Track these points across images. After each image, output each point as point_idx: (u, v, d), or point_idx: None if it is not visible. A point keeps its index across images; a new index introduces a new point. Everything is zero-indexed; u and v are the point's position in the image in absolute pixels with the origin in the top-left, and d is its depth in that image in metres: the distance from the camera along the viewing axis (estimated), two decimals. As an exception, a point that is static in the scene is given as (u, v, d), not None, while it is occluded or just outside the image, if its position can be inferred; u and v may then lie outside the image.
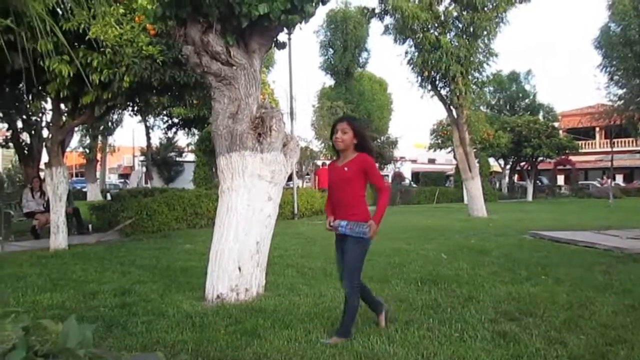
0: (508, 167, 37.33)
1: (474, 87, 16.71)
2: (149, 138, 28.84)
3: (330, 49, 26.19)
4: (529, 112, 36.89)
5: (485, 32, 15.54)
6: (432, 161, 52.34)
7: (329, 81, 27.60)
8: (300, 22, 5.25)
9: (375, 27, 54.00)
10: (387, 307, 4.19)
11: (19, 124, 14.70)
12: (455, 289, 5.34)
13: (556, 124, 37.56)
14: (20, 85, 11.81)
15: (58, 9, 7.23)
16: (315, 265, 6.85)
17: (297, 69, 69.55)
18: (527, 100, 41.59)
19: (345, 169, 3.86)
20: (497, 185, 37.73)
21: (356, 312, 3.87)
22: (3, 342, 0.82)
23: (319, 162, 24.45)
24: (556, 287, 5.38)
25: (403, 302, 4.79)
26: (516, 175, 40.73)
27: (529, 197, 31.96)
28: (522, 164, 34.87)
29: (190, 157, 30.23)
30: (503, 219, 14.55)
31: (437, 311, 4.49)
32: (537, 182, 36.91)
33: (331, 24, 25.76)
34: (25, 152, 14.97)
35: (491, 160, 33.14)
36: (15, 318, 0.92)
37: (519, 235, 10.10)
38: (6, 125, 14.85)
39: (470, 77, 15.99)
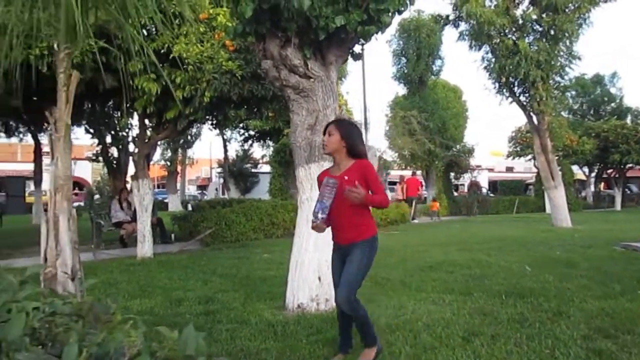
0: (593, 174, 35.35)
1: (555, 92, 16.00)
2: (226, 150, 29.77)
3: (403, 58, 25.97)
4: (615, 117, 34.78)
5: (566, 35, 14.86)
6: (510, 169, 50.69)
7: (402, 90, 27.41)
8: (377, 33, 5.26)
9: (449, 34, 53.05)
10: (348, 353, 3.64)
11: (108, 139, 15.68)
12: (542, 302, 5.10)
13: (647, 129, 35.19)
14: (110, 103, 12.60)
15: (144, 31, 7.68)
16: (393, 276, 6.77)
17: (369, 79, 69.54)
18: (612, 104, 39.30)
19: (346, 177, 3.42)
20: (582, 194, 35.81)
21: (368, 320, 3.52)
22: (130, 348, 0.88)
23: (409, 172, 24.24)
24: (655, 303, 5.02)
25: (487, 316, 4.63)
26: (602, 183, 38.51)
27: (617, 207, 30.11)
28: (609, 171, 32.92)
29: (265, 168, 30.89)
30: (590, 230, 13.79)
31: (524, 325, 4.30)
32: (626, 190, 34.73)
33: (404, 33, 25.56)
34: (114, 165, 15.92)
35: (574, 168, 31.53)
36: (133, 324, 0.97)
37: (608, 246, 9.52)
38: (96, 141, 15.86)
39: (551, 81, 15.33)
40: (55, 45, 3.15)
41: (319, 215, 3.37)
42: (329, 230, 3.59)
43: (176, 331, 0.92)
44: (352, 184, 3.31)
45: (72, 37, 2.89)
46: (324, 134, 3.61)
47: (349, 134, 3.55)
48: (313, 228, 3.49)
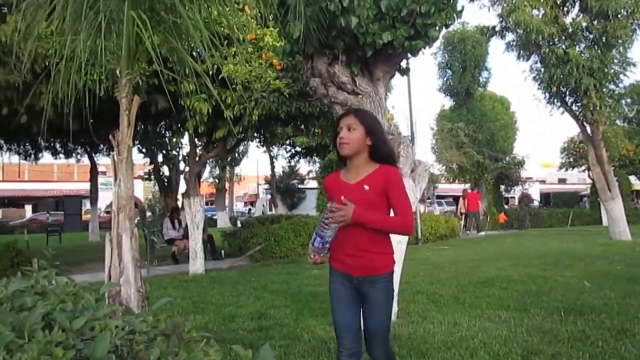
0: (653, 185, 33.90)
1: (609, 100, 15.46)
2: (273, 167, 30.12)
3: (449, 70, 25.70)
4: (674, 124, 33.27)
5: (620, 41, 14.39)
6: (562, 181, 49.21)
7: (448, 103, 27.11)
8: (424, 47, 5.24)
9: (495, 45, 52.33)
10: None
11: (160, 158, 16.14)
12: (604, 320, 4.90)
13: None
14: (162, 123, 12.99)
15: (193, 53, 7.91)
16: (446, 292, 6.66)
17: (414, 92, 69.02)
18: (671, 111, 37.66)
19: (365, 187, 2.56)
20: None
21: None
22: (210, 366, 0.91)
23: (467, 186, 23.94)
24: None
25: (546, 334, 4.49)
26: (663, 194, 36.82)
27: (680, 218, 28.67)
28: (670, 181, 31.50)
29: (311, 184, 31.07)
30: (651, 243, 13.18)
31: (586, 344, 4.14)
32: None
33: (449, 45, 25.32)
34: (165, 183, 16.36)
35: (632, 178, 30.31)
36: (207, 343, 1.00)
37: (673, 261, 9.08)
38: (148, 160, 16.35)
39: (604, 90, 14.84)
40: (117, 72, 3.30)
41: (326, 247, 2.59)
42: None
43: (250, 350, 0.95)
44: (375, 196, 2.55)
45: (133, 63, 3.02)
46: (338, 128, 2.67)
47: (375, 128, 2.66)
48: (313, 262, 2.67)
